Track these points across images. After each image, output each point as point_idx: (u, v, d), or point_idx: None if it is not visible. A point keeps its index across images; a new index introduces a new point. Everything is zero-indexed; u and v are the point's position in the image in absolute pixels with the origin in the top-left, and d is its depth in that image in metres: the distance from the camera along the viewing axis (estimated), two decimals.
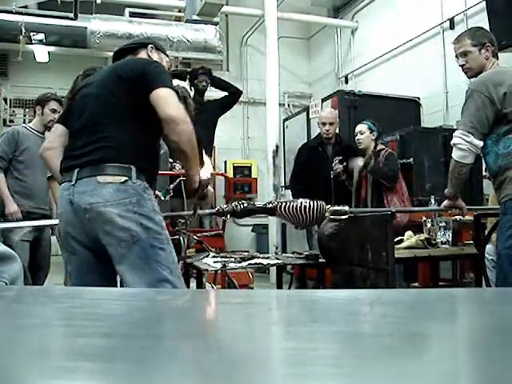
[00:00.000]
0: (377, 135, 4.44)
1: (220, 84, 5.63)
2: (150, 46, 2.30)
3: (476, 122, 2.53)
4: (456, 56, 2.76)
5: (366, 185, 4.43)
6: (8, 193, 3.46)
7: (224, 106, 5.55)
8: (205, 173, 2.72)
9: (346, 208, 2.56)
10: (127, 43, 2.44)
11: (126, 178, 1.91)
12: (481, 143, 2.55)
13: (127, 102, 2.01)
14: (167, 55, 2.41)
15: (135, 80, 2.00)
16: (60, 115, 2.49)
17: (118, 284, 2.10)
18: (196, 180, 2.00)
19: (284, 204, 2.47)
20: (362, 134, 4.40)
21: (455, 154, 2.61)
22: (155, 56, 2.28)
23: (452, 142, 2.63)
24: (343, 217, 2.54)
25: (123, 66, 2.13)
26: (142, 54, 2.26)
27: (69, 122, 2.14)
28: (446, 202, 2.83)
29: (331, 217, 2.54)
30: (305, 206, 2.42)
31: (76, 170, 1.94)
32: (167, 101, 1.93)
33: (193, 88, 5.29)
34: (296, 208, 2.42)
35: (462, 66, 2.74)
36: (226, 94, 5.61)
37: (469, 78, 2.72)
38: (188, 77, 5.39)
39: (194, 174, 2.00)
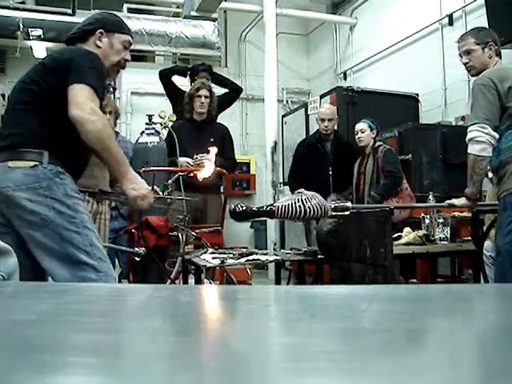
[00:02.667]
0: (376, 133, 4.48)
1: (220, 81, 5.62)
2: (98, 31, 2.20)
3: (490, 114, 2.49)
4: (460, 54, 2.77)
5: (363, 182, 4.47)
6: None
7: (224, 102, 5.53)
8: (206, 172, 2.70)
9: (348, 204, 2.52)
10: (76, 29, 2.29)
11: (36, 163, 1.93)
12: (497, 135, 2.50)
13: (41, 88, 2.02)
14: (125, 31, 2.28)
15: (57, 68, 2.01)
16: None
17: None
18: (124, 183, 2.01)
19: (282, 208, 2.38)
20: (362, 132, 4.42)
21: (474, 149, 2.51)
22: (105, 42, 2.20)
23: (468, 138, 2.53)
24: (346, 213, 2.51)
25: (51, 55, 2.14)
26: (91, 42, 2.19)
27: None
28: (463, 201, 2.73)
29: (333, 213, 2.51)
30: (305, 211, 2.36)
31: None
32: (73, 99, 1.92)
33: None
34: (296, 213, 2.36)
35: (465, 64, 2.74)
36: (226, 90, 5.59)
37: (472, 76, 2.72)
38: (188, 73, 5.38)
39: (120, 176, 2.02)
